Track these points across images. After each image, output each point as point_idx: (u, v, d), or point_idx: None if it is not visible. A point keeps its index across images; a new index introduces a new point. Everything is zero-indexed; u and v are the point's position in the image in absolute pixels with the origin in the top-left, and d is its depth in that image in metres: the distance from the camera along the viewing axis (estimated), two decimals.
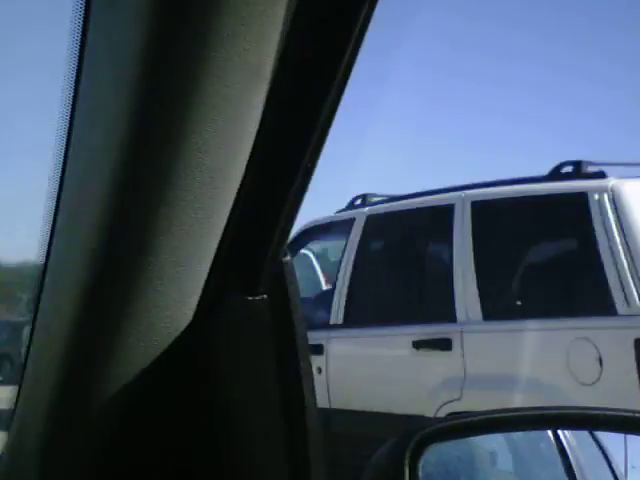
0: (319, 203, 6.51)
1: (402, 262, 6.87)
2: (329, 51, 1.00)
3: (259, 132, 1.02)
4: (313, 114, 1.03)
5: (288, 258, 1.17)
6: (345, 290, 6.91)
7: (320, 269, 9.38)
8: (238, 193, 1.06)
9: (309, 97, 1.03)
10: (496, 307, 5.86)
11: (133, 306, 1.10)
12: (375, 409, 6.38)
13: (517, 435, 2.26)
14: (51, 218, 1.17)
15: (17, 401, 1.37)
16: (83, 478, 1.23)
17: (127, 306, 1.10)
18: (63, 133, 1.16)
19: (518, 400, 5.30)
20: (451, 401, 5.86)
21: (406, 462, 1.69)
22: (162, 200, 1.02)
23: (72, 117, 1.14)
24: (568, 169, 5.79)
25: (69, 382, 1.18)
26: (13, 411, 1.39)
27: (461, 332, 5.91)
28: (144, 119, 0.99)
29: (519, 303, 5.79)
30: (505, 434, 2.19)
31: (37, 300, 1.29)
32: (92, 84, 1.09)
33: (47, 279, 1.24)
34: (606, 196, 5.42)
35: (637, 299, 5.14)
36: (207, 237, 1.08)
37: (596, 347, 5.21)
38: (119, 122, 1.00)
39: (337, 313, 6.93)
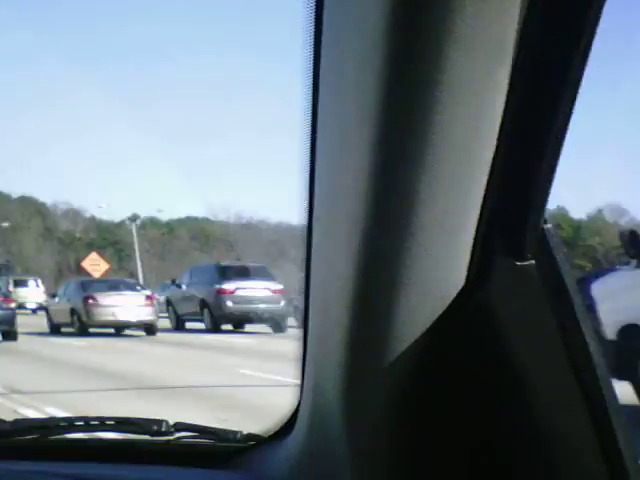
0: None
1: None
2: (568, 21, 1.02)
3: (507, 102, 1.06)
4: (560, 79, 1.05)
5: (549, 225, 1.19)
6: None
7: None
8: (493, 161, 1.10)
9: (554, 65, 1.05)
10: None
11: (411, 272, 1.18)
12: None
13: None
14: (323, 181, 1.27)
15: (304, 358, 1.52)
16: (380, 427, 1.33)
17: (406, 272, 1.18)
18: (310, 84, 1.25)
19: None
20: None
21: None
22: (424, 173, 1.08)
23: (317, 86, 1.23)
24: None
25: (355, 343, 1.27)
26: (303, 364, 1.54)
27: None
28: (392, 96, 1.05)
29: None
30: None
31: (307, 261, 1.40)
32: (338, 60, 1.18)
33: (316, 240, 1.34)
34: None
35: None
36: (469, 206, 1.14)
37: None
38: (368, 97, 1.06)
39: None
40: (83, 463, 1.89)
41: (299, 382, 1.62)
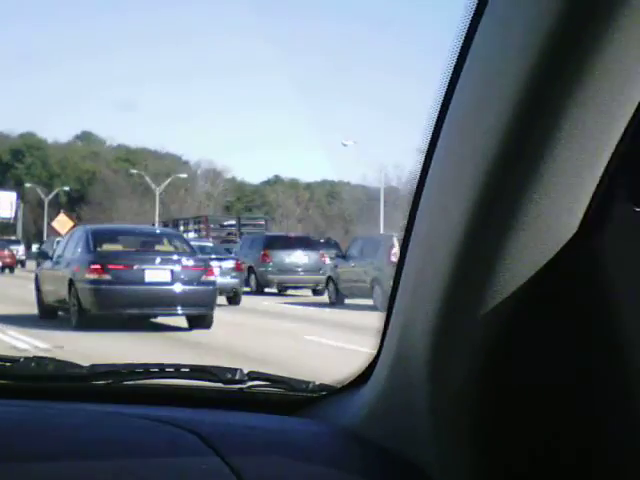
0: None
1: None
2: None
3: None
4: None
5: None
6: None
7: None
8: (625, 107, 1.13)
9: None
10: None
11: (525, 215, 1.18)
12: None
13: None
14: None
15: (389, 313, 1.57)
16: (467, 380, 1.31)
17: (520, 215, 1.18)
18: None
19: None
20: None
21: None
22: (552, 116, 1.13)
23: (453, 83, 1.29)
24: None
25: (452, 289, 1.28)
26: (388, 313, 1.58)
27: None
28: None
29: None
30: None
31: (411, 216, 1.43)
32: (484, 54, 1.23)
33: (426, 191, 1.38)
34: None
35: None
36: (595, 151, 1.15)
37: None
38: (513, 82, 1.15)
39: None
40: (159, 407, 1.94)
41: (380, 334, 1.69)
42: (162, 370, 2.02)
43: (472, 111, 1.26)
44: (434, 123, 1.37)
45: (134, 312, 19.70)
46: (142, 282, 19.66)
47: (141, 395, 2.01)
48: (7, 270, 52.76)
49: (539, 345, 1.29)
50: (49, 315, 21.57)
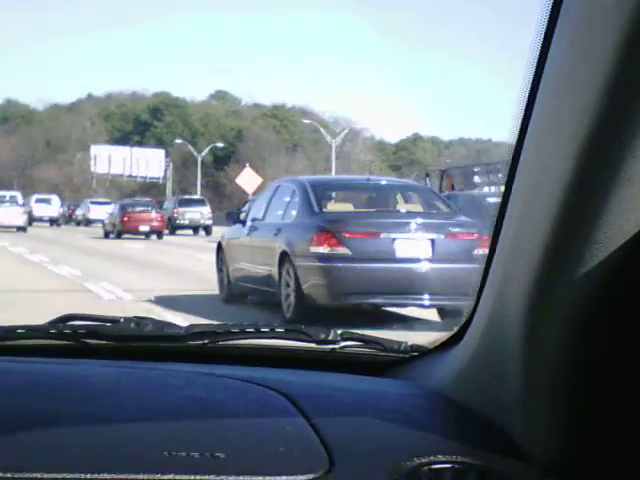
0: None
1: None
2: None
3: None
4: None
5: None
6: None
7: None
8: None
9: None
10: None
11: (628, 170, 1.17)
12: None
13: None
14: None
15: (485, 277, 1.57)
16: (561, 344, 1.30)
17: (622, 169, 1.17)
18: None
19: None
20: None
21: None
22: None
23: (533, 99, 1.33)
24: None
25: (550, 253, 1.27)
26: (484, 275, 1.58)
27: None
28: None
29: None
30: None
31: (507, 191, 1.44)
32: (565, 55, 1.24)
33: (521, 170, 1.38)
34: None
35: None
36: None
37: None
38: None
39: None
40: (251, 367, 1.96)
41: (474, 296, 1.66)
42: (257, 330, 2.03)
43: (571, 65, 1.23)
44: (531, 78, 1.35)
45: (379, 302, 13.10)
46: (393, 258, 12.87)
47: (235, 355, 2.04)
48: (155, 236, 45.99)
49: (639, 308, 1.26)
50: (236, 300, 15.43)
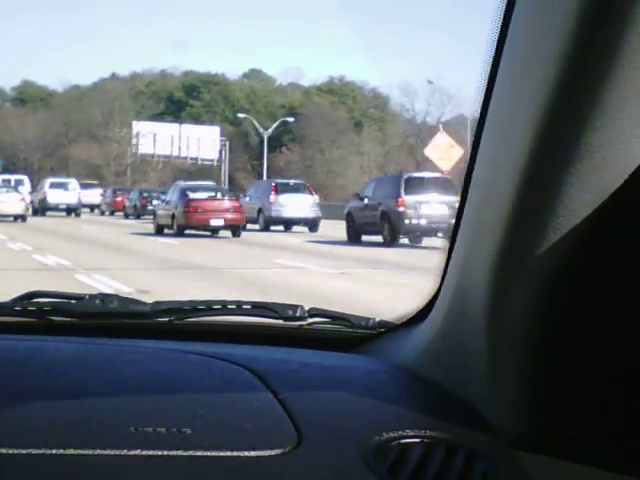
0: None
1: None
2: None
3: None
4: None
5: None
6: None
7: None
8: None
9: None
10: None
11: (587, 143, 1.17)
12: None
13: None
14: None
15: (449, 255, 1.58)
16: (526, 317, 1.31)
17: (584, 142, 1.16)
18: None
19: None
20: None
21: None
22: (612, 49, 1.13)
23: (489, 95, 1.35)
24: None
25: (513, 224, 1.27)
26: (450, 249, 1.58)
27: None
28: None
29: None
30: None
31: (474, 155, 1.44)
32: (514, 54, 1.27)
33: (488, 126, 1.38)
34: None
35: None
36: None
37: None
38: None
39: None
40: (217, 343, 1.94)
41: (440, 272, 1.67)
42: (224, 307, 2.03)
43: (532, 37, 1.24)
44: (493, 51, 1.35)
45: None
46: None
47: (202, 332, 2.03)
48: (228, 232, 32.30)
49: (601, 281, 1.27)
50: None
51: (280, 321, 2.02)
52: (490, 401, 1.48)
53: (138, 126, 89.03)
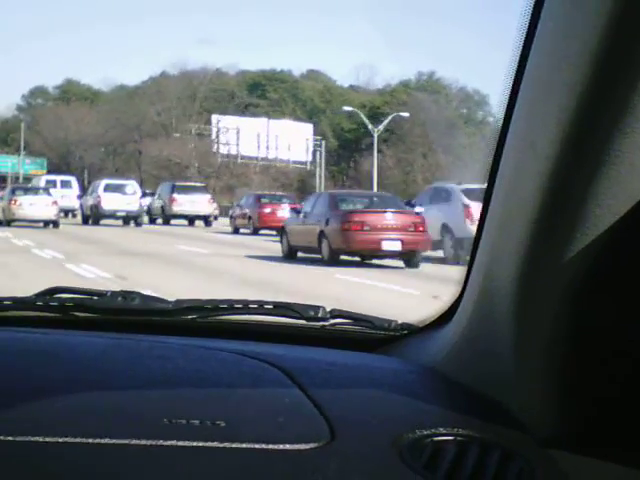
0: None
1: None
2: None
3: None
4: None
5: None
6: None
7: None
8: None
9: None
10: None
11: (617, 148, 1.16)
12: None
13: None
14: None
15: (473, 256, 1.57)
16: (554, 320, 1.31)
17: (611, 147, 1.16)
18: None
19: None
20: None
21: None
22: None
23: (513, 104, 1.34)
24: None
25: (539, 228, 1.27)
26: (473, 253, 1.57)
27: None
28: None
29: None
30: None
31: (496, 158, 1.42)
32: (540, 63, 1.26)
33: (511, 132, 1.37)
34: None
35: None
36: None
37: None
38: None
39: None
40: (242, 341, 1.93)
41: (464, 273, 1.65)
42: (246, 306, 2.01)
43: (561, 38, 1.22)
44: (520, 53, 1.34)
45: None
46: None
47: (224, 330, 2.00)
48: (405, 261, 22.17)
49: (629, 282, 1.27)
50: None
51: (302, 321, 1.99)
52: (520, 400, 1.47)
53: (218, 120, 78.86)
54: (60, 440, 1.32)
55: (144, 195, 50.73)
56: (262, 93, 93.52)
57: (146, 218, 48.58)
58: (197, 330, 1.98)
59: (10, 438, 1.32)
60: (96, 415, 1.42)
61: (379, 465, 1.37)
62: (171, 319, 1.99)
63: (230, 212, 44.08)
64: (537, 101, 1.28)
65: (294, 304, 2.02)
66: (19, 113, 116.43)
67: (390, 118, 63.27)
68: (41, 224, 39.77)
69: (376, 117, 75.59)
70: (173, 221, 47.30)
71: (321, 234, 22.82)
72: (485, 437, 1.46)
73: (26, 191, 43.16)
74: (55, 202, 41.04)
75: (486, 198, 1.50)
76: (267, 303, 2.01)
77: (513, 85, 1.35)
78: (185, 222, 47.01)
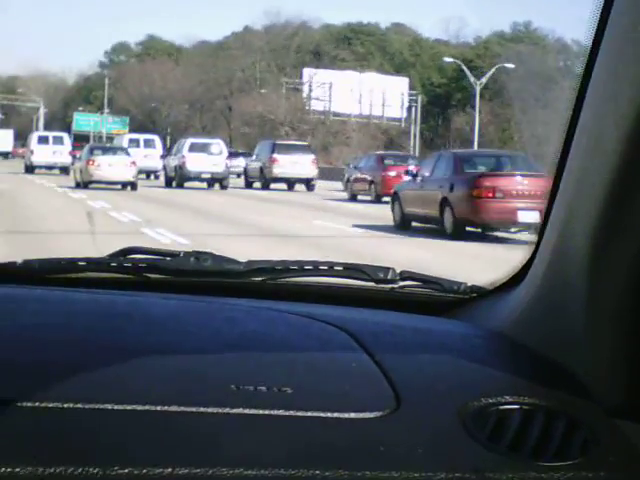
0: None
1: None
2: None
3: None
4: None
5: None
6: None
7: None
8: None
9: None
10: None
11: None
12: None
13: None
14: None
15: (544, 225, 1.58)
16: (631, 277, 1.31)
17: None
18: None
19: None
20: None
21: None
22: None
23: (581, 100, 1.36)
24: None
25: (616, 188, 1.27)
26: (547, 213, 1.57)
27: None
28: None
29: None
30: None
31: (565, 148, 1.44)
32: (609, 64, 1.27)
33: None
34: None
35: None
36: None
37: None
38: None
39: None
40: (311, 304, 1.93)
41: (536, 234, 1.65)
42: (316, 268, 2.01)
43: (631, 32, 1.23)
44: (590, 45, 1.35)
45: None
46: None
47: (295, 292, 2.03)
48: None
49: None
50: None
51: (371, 283, 1.98)
52: (589, 368, 1.46)
53: (310, 73, 75.98)
54: (128, 408, 1.34)
55: (236, 155, 48.03)
56: (348, 47, 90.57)
57: (240, 180, 45.23)
58: (267, 292, 1.98)
59: (80, 406, 1.33)
60: (164, 382, 1.42)
61: (443, 436, 1.37)
62: (242, 281, 1.99)
63: (346, 175, 39.63)
64: (613, 71, 1.27)
65: (364, 265, 1.99)
66: (102, 70, 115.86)
67: (494, 70, 59.66)
68: (118, 186, 37.66)
69: (469, 70, 72.21)
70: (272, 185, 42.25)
71: (444, 201, 20.03)
72: (550, 405, 1.44)
73: (104, 151, 41.01)
74: (134, 162, 38.53)
75: (562, 158, 1.46)
76: (337, 264, 2.00)
77: (588, 59, 1.34)
78: (284, 186, 42.18)
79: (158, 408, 1.35)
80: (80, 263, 1.97)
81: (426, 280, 2.02)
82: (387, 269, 1.98)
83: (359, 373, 1.52)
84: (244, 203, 30.70)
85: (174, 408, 1.35)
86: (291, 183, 42.51)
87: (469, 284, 2.01)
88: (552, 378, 1.51)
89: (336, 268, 2.01)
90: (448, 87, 76.38)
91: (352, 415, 1.38)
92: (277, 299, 1.94)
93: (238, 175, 49.13)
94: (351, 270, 2.00)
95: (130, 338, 1.60)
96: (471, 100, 70.61)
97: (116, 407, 1.34)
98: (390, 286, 1.99)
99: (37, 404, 1.33)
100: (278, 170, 41.91)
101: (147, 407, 1.34)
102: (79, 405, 1.33)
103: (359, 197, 35.81)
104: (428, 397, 1.46)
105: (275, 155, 41.93)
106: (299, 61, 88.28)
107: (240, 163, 49.71)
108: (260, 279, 1.99)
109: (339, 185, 42.53)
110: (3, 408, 1.31)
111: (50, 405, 1.33)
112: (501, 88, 64.88)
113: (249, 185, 43.80)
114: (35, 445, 1.26)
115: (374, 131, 72.30)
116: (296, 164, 41.92)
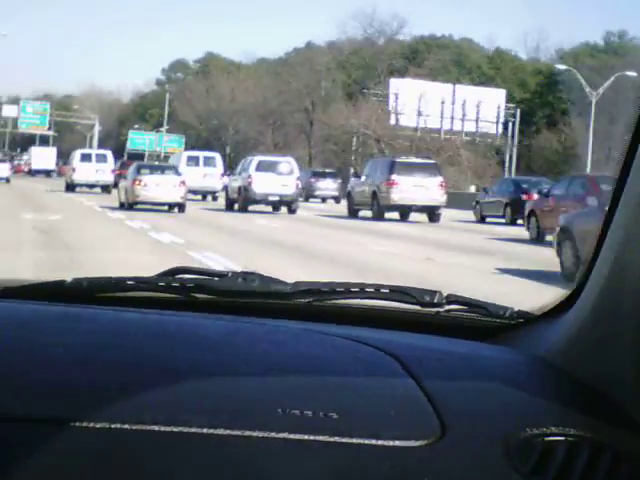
0: None
1: None
2: None
3: None
4: None
5: None
6: None
7: None
8: None
9: None
10: None
11: None
12: None
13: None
14: None
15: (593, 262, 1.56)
16: None
17: None
18: None
19: None
20: None
21: None
22: None
23: None
24: None
25: None
26: (600, 239, 1.53)
27: None
28: None
29: None
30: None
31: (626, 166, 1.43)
32: None
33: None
34: None
35: None
36: None
37: None
38: None
39: None
40: (358, 327, 1.91)
41: (587, 260, 1.60)
42: (362, 290, 2.01)
43: None
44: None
45: None
46: None
47: (341, 314, 2.02)
48: None
49: None
50: None
51: (417, 307, 1.98)
52: (638, 401, 1.43)
53: (397, 84, 69.88)
54: (175, 430, 1.35)
55: (322, 176, 42.09)
56: (422, 61, 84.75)
57: (343, 206, 37.62)
58: (313, 314, 1.98)
59: (127, 427, 1.34)
60: (211, 403, 1.43)
61: (487, 467, 1.36)
62: (288, 302, 1.99)
63: (478, 199, 35.06)
64: None
65: (410, 288, 1.99)
66: (158, 87, 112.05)
67: (613, 78, 52.87)
68: (165, 207, 34.85)
69: (556, 83, 65.91)
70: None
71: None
72: (597, 437, 1.42)
73: (152, 169, 38.23)
74: (183, 182, 35.50)
75: (621, 177, 1.44)
76: (384, 287, 1.99)
77: None
78: (396, 215, 33.83)
79: (204, 431, 1.35)
80: (129, 282, 1.96)
81: (472, 304, 1.98)
82: (434, 292, 1.95)
83: (405, 399, 1.50)
84: (356, 240, 22.17)
85: (220, 431, 1.35)
86: (411, 212, 33.91)
87: (516, 309, 1.96)
88: (599, 410, 1.46)
89: (382, 291, 1.98)
90: (531, 103, 70.21)
91: (396, 443, 1.36)
92: (323, 321, 1.93)
93: (323, 200, 43.29)
94: (397, 293, 1.97)
95: (179, 359, 1.58)
96: (556, 116, 64.09)
97: (163, 429, 1.34)
98: (436, 310, 1.96)
99: (86, 424, 1.33)
100: (397, 196, 32.95)
101: (194, 430, 1.35)
102: (126, 426, 1.34)
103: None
104: (473, 426, 1.42)
105: (394, 176, 33.28)
106: (366, 76, 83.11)
107: (329, 185, 44.21)
108: (306, 300, 1.97)
109: (462, 213, 36.57)
110: (55, 428, 1.33)
111: (98, 426, 1.34)
112: (612, 102, 57.77)
113: (354, 214, 35.60)
114: (82, 465, 1.28)
115: (483, 149, 65.86)
116: (421, 188, 33.00)
